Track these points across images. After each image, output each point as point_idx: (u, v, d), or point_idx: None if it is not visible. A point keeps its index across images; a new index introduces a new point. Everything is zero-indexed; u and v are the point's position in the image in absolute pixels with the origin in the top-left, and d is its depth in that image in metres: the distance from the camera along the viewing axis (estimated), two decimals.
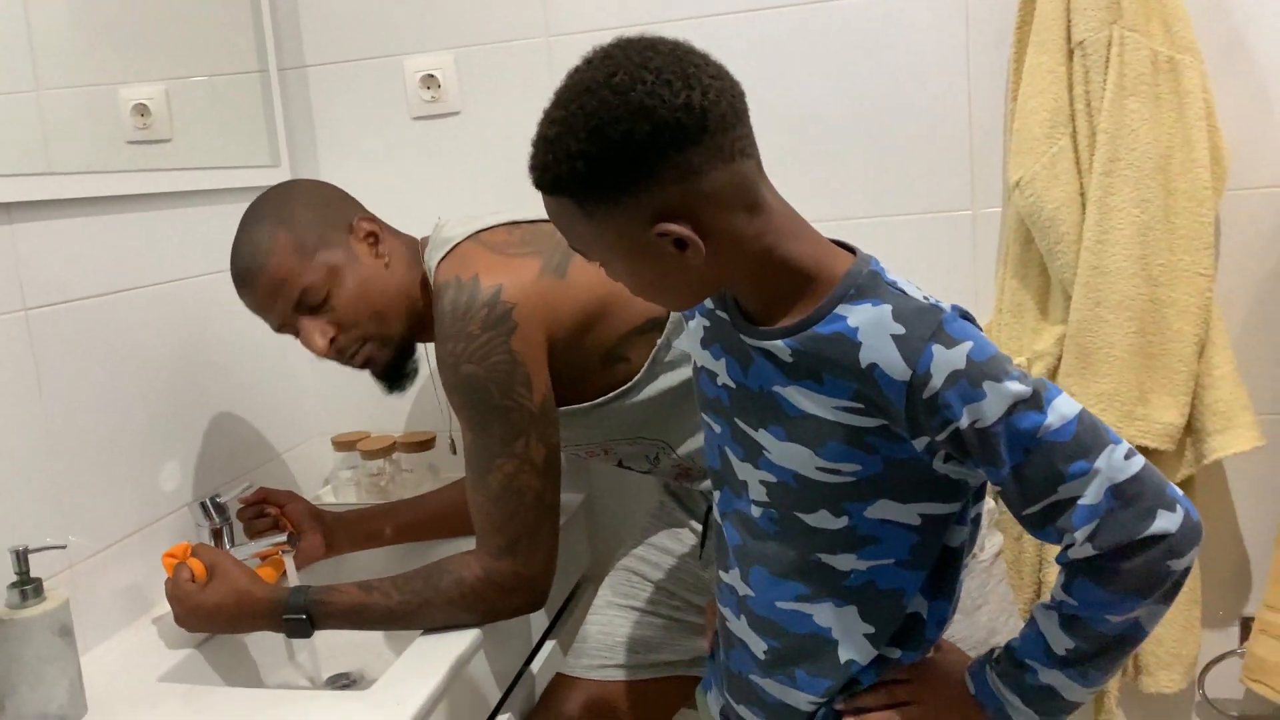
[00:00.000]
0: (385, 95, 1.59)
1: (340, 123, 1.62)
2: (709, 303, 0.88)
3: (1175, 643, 1.38)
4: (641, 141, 0.72)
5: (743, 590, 0.89)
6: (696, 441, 1.19)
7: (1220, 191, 1.30)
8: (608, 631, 1.26)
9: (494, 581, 1.07)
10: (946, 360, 0.73)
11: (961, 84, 1.41)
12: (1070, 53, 1.29)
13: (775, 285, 0.80)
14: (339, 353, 1.17)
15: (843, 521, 0.82)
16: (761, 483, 0.85)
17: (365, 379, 1.61)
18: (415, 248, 1.22)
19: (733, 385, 0.85)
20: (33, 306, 1.10)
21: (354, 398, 1.66)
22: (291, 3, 1.61)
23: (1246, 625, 1.44)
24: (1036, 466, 0.74)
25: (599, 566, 1.58)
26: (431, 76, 1.57)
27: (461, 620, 1.08)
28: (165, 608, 1.20)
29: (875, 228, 1.46)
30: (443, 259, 1.13)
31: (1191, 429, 1.31)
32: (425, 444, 1.58)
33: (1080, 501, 0.73)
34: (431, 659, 1.05)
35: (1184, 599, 1.37)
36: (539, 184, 0.77)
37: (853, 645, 0.85)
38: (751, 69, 1.44)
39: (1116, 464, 0.73)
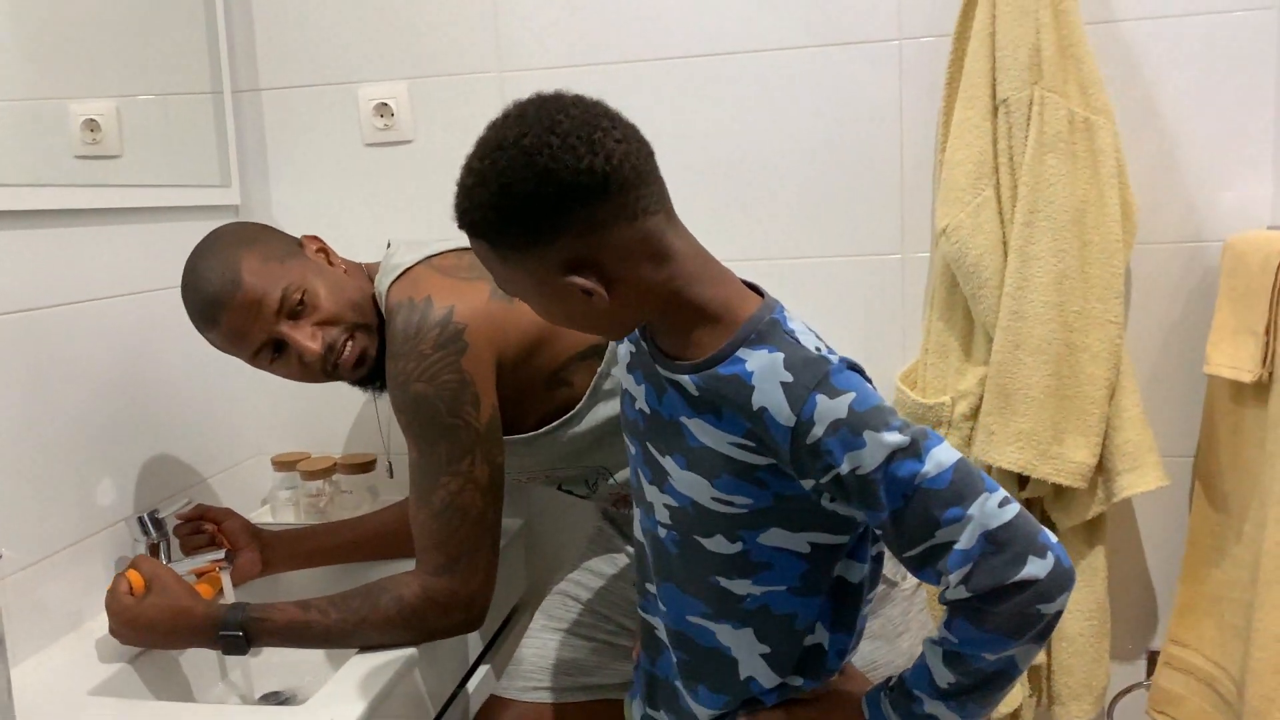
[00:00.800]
0: (339, 121, 1.62)
1: (293, 146, 1.65)
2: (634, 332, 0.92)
3: (1085, 674, 1.44)
4: (546, 201, 0.77)
5: (662, 604, 0.94)
6: None
7: (1130, 244, 1.38)
8: (542, 654, 1.29)
9: (432, 599, 1.09)
10: (829, 409, 0.78)
11: (894, 134, 1.48)
12: (995, 109, 1.37)
13: (685, 325, 0.84)
14: (330, 349, 1.16)
15: (737, 547, 0.86)
16: (665, 505, 0.89)
17: (305, 397, 1.63)
18: (363, 270, 1.25)
19: (648, 411, 0.90)
20: None
21: (294, 418, 1.68)
22: (248, 26, 1.63)
23: (1153, 659, 1.51)
24: (914, 512, 0.77)
25: (535, 591, 1.60)
26: (385, 105, 1.60)
27: (399, 639, 1.10)
28: (99, 622, 1.20)
29: (810, 268, 1.52)
30: (394, 282, 1.16)
31: (1102, 468, 1.38)
32: (365, 466, 1.59)
33: (955, 546, 0.76)
34: (366, 678, 1.06)
35: (1094, 632, 1.44)
36: (460, 225, 0.82)
37: (751, 665, 0.90)
38: (692, 111, 1.52)
39: (990, 511, 0.76)
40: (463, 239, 1.23)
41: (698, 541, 0.88)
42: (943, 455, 0.78)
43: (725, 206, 1.53)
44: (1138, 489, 1.37)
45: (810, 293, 1.52)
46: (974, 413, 1.42)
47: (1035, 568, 0.76)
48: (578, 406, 1.17)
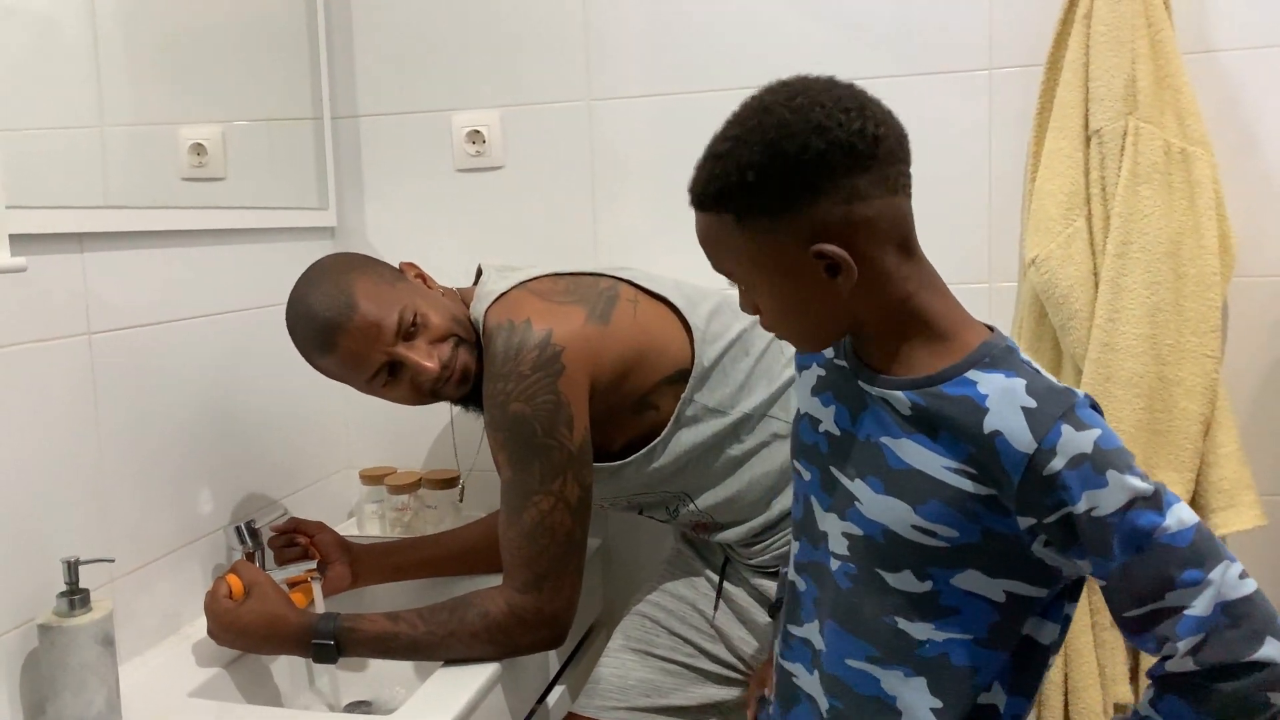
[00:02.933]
0: (432, 147, 1.67)
1: (387, 171, 1.70)
2: (828, 352, 0.89)
3: None
4: (814, 158, 0.74)
5: (817, 644, 0.88)
6: (716, 495, 1.23)
7: (1228, 278, 1.35)
8: (620, 674, 1.30)
9: (518, 615, 1.11)
10: (1074, 442, 0.73)
11: (983, 164, 1.47)
12: (1088, 139, 1.35)
13: (905, 335, 0.80)
14: (445, 366, 1.18)
15: (926, 586, 0.80)
16: (844, 535, 0.84)
17: (392, 414, 1.67)
18: (457, 295, 1.28)
19: (836, 432, 0.85)
20: (96, 331, 1.17)
21: (382, 433, 1.72)
22: (348, 55, 1.70)
23: None
24: (1148, 566, 0.72)
25: (612, 611, 1.61)
26: (477, 132, 1.64)
27: (484, 653, 1.12)
28: (198, 626, 1.24)
29: None
30: (491, 305, 1.19)
31: (1196, 505, 1.35)
32: (450, 481, 1.63)
33: (1187, 612, 0.71)
34: (450, 691, 1.09)
35: None
36: (700, 198, 0.79)
37: (917, 718, 0.82)
38: None
39: (1231, 580, 0.71)
40: (553, 265, 1.27)
41: (880, 576, 0.82)
42: (1184, 513, 0.73)
43: None
44: (1233, 527, 1.33)
45: None
46: None
47: (1274, 650, 0.70)
48: (663, 433, 1.19)
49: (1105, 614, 1.41)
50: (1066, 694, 1.43)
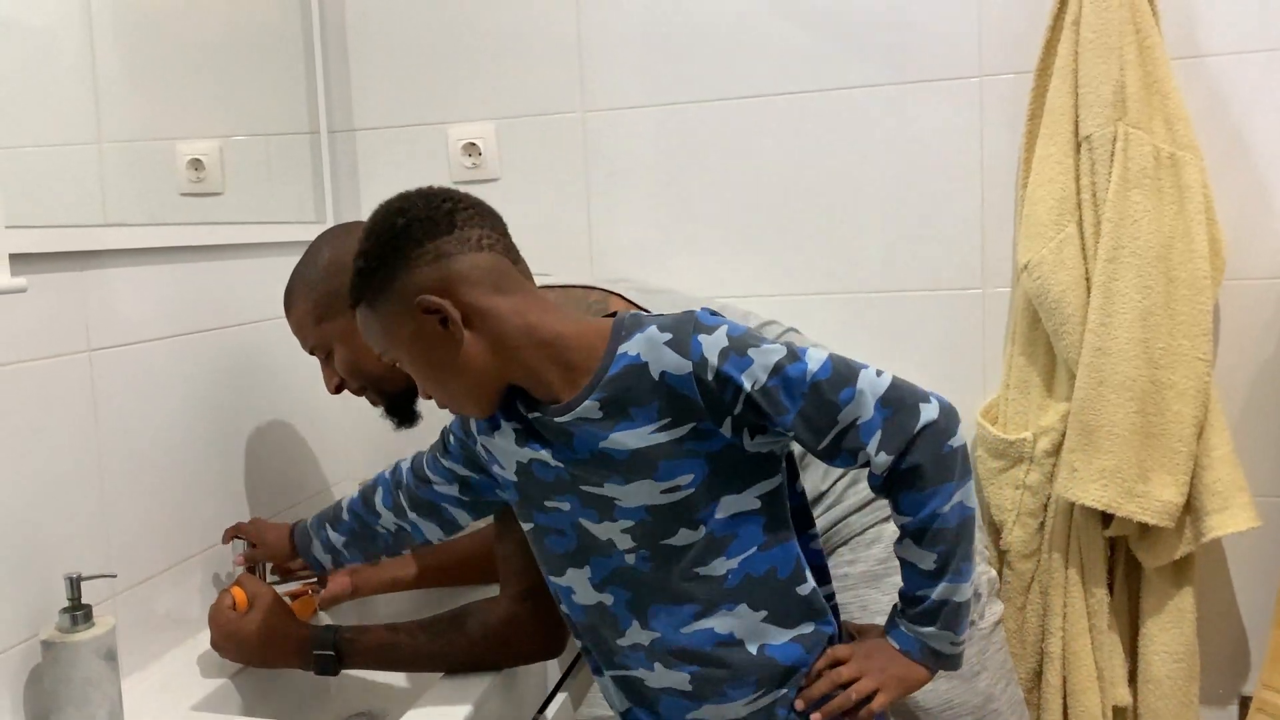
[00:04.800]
0: (429, 160, 1.68)
1: (385, 184, 1.71)
2: (506, 415, 0.96)
3: (1174, 719, 1.41)
4: (400, 232, 0.88)
5: (648, 637, 0.95)
6: None
7: (1218, 281, 1.36)
8: None
9: (517, 624, 1.12)
10: (712, 343, 0.86)
11: (975, 170, 1.49)
12: (1078, 145, 1.36)
13: (553, 359, 0.90)
14: (338, 389, 1.28)
15: (700, 532, 0.91)
16: (623, 531, 0.93)
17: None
18: None
19: (564, 462, 0.93)
20: (96, 348, 1.18)
21: (383, 446, 1.73)
22: (344, 69, 1.71)
23: (1245, 704, 1.46)
24: (814, 404, 0.85)
25: None
26: (473, 144, 1.66)
27: (484, 662, 1.13)
28: (200, 639, 1.25)
29: (892, 302, 1.53)
30: None
31: (1190, 508, 1.36)
32: None
33: (859, 421, 0.85)
34: (449, 702, 1.09)
35: (1183, 675, 1.40)
36: (353, 306, 0.93)
37: (757, 634, 0.92)
38: (774, 148, 1.54)
39: (874, 381, 0.86)
40: (545, 276, 1.28)
41: (667, 545, 0.92)
42: (816, 353, 0.87)
43: (808, 241, 1.55)
44: (1227, 529, 1.34)
45: (891, 327, 1.53)
46: (1056, 449, 1.41)
47: (928, 411, 0.86)
48: None
49: (1103, 617, 1.42)
50: (1065, 697, 1.43)
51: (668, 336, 0.87)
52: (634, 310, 0.96)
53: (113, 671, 1.03)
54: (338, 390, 1.27)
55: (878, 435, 0.85)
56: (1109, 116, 1.33)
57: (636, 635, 0.96)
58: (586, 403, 0.89)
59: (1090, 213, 1.36)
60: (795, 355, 0.86)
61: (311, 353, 1.25)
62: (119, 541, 1.20)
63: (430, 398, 0.95)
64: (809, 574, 0.94)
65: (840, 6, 1.51)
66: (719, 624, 0.92)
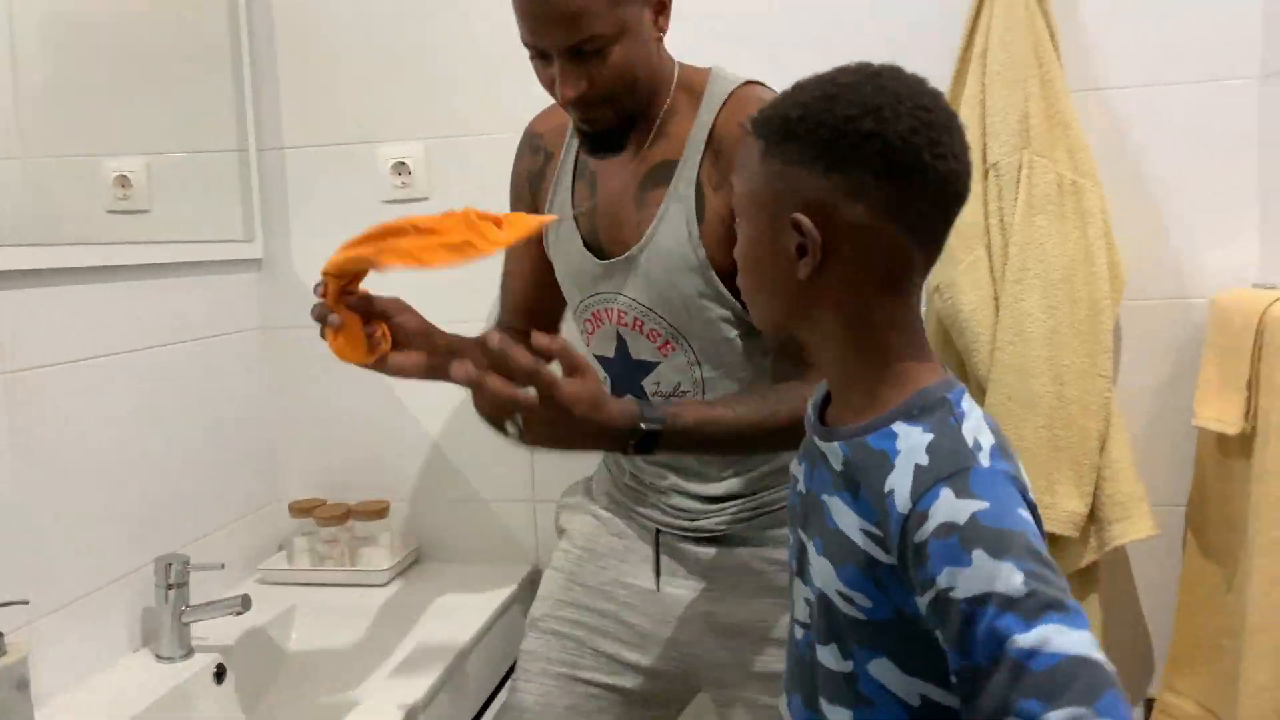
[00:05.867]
0: (358, 179, 1.69)
1: (314, 202, 1.72)
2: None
3: None
4: (852, 134, 0.70)
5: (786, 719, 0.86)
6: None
7: (1118, 301, 1.43)
8: (546, 703, 1.24)
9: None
10: (949, 509, 0.65)
11: None
12: (986, 172, 1.43)
13: (852, 370, 0.76)
14: (580, 107, 1.07)
15: (848, 666, 0.75)
16: (804, 600, 0.80)
17: (324, 446, 1.69)
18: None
19: (804, 491, 0.82)
20: (16, 370, 1.17)
21: (312, 465, 1.73)
22: (274, 87, 1.71)
23: (1150, 706, 1.53)
24: (994, 680, 0.61)
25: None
26: (403, 164, 1.67)
27: (791, 443, 0.95)
28: (121, 666, 1.24)
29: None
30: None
31: (1094, 518, 1.42)
32: (380, 512, 1.64)
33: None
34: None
35: None
36: (752, 118, 0.77)
37: None
38: None
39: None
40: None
41: (816, 648, 0.78)
42: (1059, 638, 0.60)
43: None
44: (1129, 537, 1.41)
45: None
46: None
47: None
48: None
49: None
50: None
51: (924, 461, 0.68)
52: (948, 382, 0.75)
53: (25, 701, 1.03)
54: (577, 101, 1.05)
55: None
56: (1015, 145, 1.40)
57: (782, 708, 0.87)
58: (835, 447, 0.76)
59: (998, 237, 1.42)
60: (1027, 612, 0.61)
61: (579, 45, 1.02)
62: (36, 567, 1.19)
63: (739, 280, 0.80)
64: None
65: (772, 36, 1.55)
66: None
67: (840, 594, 0.74)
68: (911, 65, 1.49)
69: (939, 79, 1.48)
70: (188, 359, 1.49)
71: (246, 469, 1.65)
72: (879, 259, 0.73)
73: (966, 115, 1.43)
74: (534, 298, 1.31)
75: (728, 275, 1.06)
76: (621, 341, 1.18)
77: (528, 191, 1.29)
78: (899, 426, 0.72)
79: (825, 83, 0.73)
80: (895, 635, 0.72)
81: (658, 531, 1.23)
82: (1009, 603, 0.61)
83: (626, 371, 1.19)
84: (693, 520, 1.20)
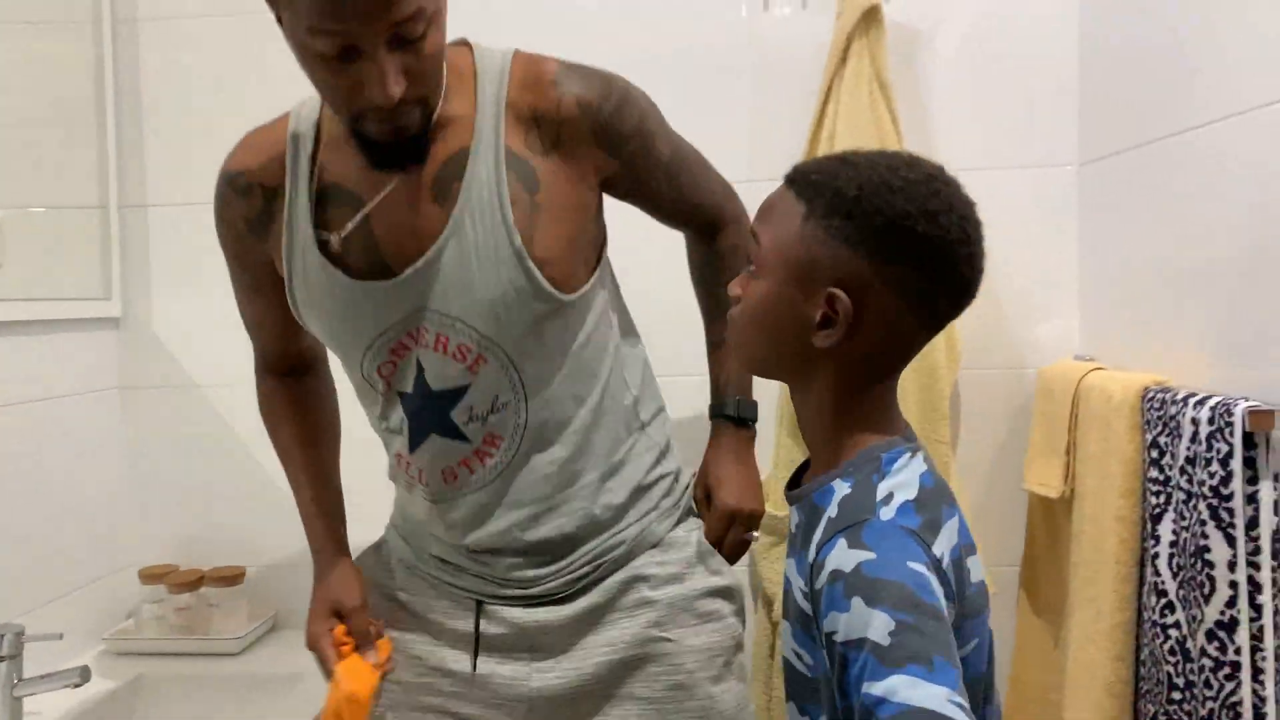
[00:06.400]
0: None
1: (177, 261, 1.69)
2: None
3: None
4: (905, 230, 0.73)
5: None
6: (561, 405, 1.03)
7: (955, 370, 1.52)
8: None
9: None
10: (840, 558, 0.69)
11: None
12: None
13: (831, 432, 0.79)
14: (397, 110, 0.91)
15: None
16: (785, 660, 0.83)
17: (175, 510, 1.65)
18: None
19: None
20: None
21: (163, 530, 1.68)
22: (139, 144, 1.69)
23: None
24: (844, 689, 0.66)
25: None
26: None
27: None
28: None
29: (670, 386, 1.61)
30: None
31: None
32: (234, 578, 1.60)
33: None
34: None
35: None
36: (795, 175, 0.78)
37: None
38: None
39: None
40: None
41: (787, 707, 0.81)
42: (909, 690, 0.61)
43: None
44: None
45: (671, 410, 1.61)
46: None
47: None
48: (602, 258, 1.12)
49: None
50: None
51: (835, 514, 0.73)
52: (891, 442, 0.78)
53: None
54: (399, 101, 0.89)
55: None
56: None
57: None
58: (793, 509, 0.81)
59: None
60: (889, 659, 0.63)
61: (403, 27, 0.86)
62: None
63: (734, 297, 0.82)
64: None
65: None
66: None
67: (794, 652, 0.78)
68: (766, 148, 1.60)
69: (790, 161, 1.57)
70: (39, 419, 1.44)
71: (96, 533, 1.60)
72: (894, 343, 0.77)
73: None
74: (293, 337, 1.14)
75: (544, 262, 0.97)
76: (419, 372, 1.01)
77: (251, 239, 1.06)
78: (836, 484, 0.76)
79: (884, 170, 0.75)
80: (828, 692, 0.74)
81: (479, 603, 1.08)
82: (875, 649, 0.64)
83: (427, 406, 1.01)
84: (525, 588, 1.06)
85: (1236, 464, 1.02)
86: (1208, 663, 1.05)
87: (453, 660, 1.08)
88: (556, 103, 0.98)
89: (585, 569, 1.06)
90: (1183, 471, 1.11)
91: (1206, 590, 1.05)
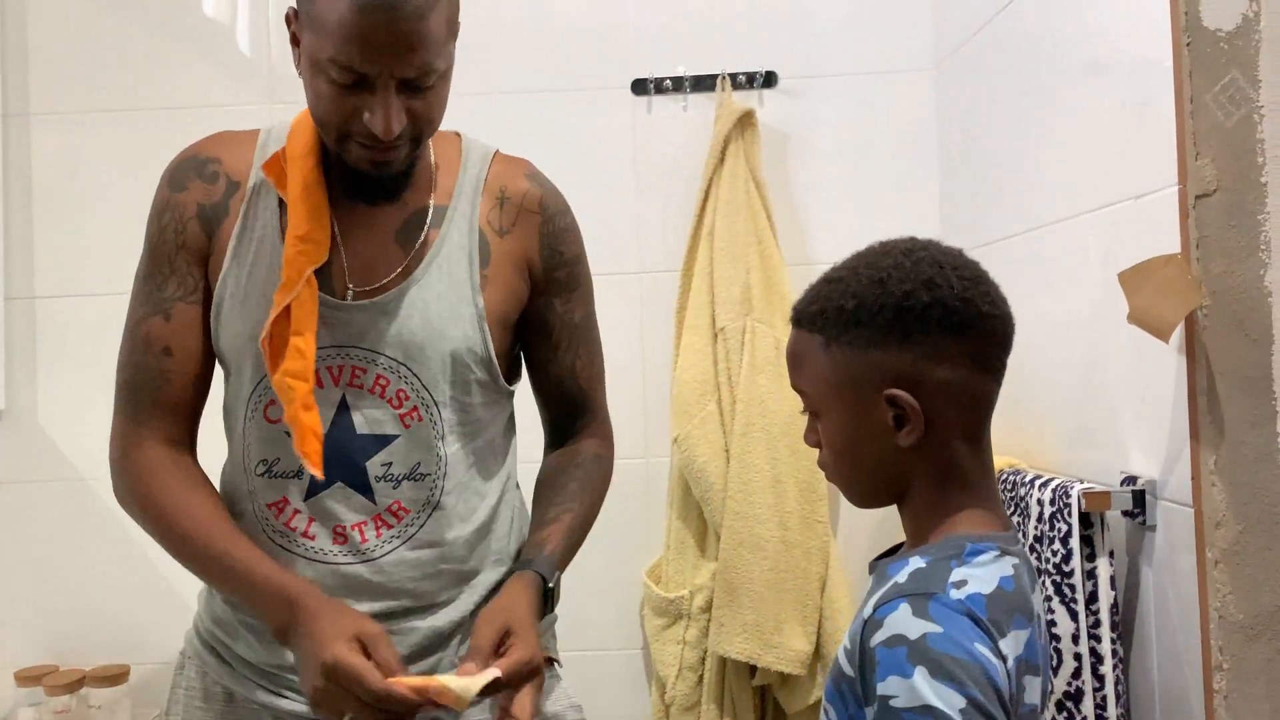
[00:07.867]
0: (111, 332, 1.66)
1: (65, 353, 1.68)
2: None
3: None
4: (915, 306, 0.75)
5: None
6: (467, 493, 1.01)
7: None
8: None
9: (613, 444, 1.15)
10: (902, 623, 0.69)
11: (636, 354, 1.67)
12: (715, 336, 1.57)
13: (926, 518, 0.79)
14: (390, 145, 0.94)
15: None
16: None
17: (53, 609, 1.61)
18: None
19: None
20: None
21: (41, 629, 1.63)
22: (27, 235, 1.68)
23: None
24: None
25: None
26: None
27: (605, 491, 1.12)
28: None
29: None
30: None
31: (819, 655, 1.53)
32: (118, 677, 1.56)
33: None
34: None
35: None
36: (799, 314, 0.82)
37: None
38: None
39: None
40: None
41: None
42: None
43: None
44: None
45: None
46: (709, 605, 1.56)
47: None
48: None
49: None
50: None
51: (902, 580, 0.73)
52: (983, 536, 0.77)
53: None
54: (395, 138, 0.92)
55: None
56: (739, 312, 1.56)
57: None
58: (871, 576, 0.81)
59: (727, 393, 1.56)
60: None
61: (419, 76, 0.91)
62: None
63: (815, 446, 0.84)
64: None
65: None
66: None
67: (824, 709, 0.79)
68: (652, 241, 1.68)
69: (674, 253, 1.66)
70: None
71: None
72: (971, 407, 0.78)
73: (698, 285, 1.59)
74: (200, 387, 1.02)
75: (499, 329, 1.01)
76: (345, 410, 0.97)
77: (195, 227, 1.01)
78: (913, 559, 0.76)
79: (866, 268, 0.79)
80: None
81: None
82: (935, 717, 0.66)
83: (345, 445, 0.96)
84: None
85: (1075, 542, 1.10)
86: None
87: None
88: (524, 191, 1.05)
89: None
90: (1033, 549, 1.19)
91: (1055, 663, 1.11)
